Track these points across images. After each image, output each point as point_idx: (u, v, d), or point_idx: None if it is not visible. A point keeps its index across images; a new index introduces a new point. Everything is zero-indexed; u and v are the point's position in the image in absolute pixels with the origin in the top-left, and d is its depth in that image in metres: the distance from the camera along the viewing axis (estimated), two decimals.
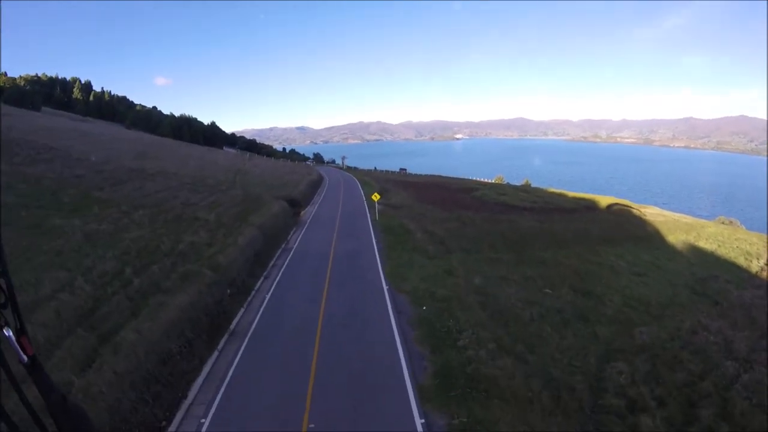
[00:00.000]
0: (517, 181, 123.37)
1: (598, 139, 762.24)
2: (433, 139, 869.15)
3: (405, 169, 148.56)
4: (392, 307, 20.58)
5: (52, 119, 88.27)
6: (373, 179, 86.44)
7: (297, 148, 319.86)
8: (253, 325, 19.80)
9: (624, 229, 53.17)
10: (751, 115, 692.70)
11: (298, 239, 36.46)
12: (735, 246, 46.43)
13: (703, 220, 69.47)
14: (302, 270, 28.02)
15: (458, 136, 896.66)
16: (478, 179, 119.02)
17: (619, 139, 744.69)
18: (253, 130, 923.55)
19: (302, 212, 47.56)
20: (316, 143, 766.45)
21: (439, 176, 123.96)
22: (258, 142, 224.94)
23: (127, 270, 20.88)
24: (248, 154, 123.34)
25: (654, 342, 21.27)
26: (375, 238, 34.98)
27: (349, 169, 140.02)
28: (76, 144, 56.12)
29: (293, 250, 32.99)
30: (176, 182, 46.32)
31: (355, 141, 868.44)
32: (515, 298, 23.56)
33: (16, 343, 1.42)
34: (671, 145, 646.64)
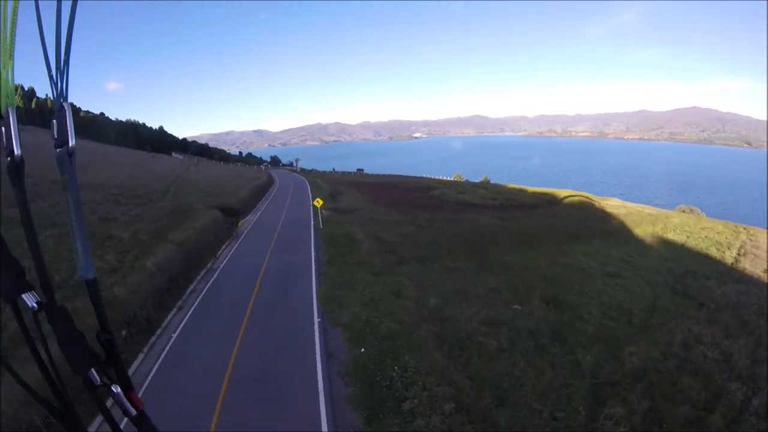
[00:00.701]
0: (476, 178, 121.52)
1: (554, 134, 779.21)
2: (391, 138, 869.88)
3: (362, 170, 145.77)
4: (322, 350, 16.06)
5: None
6: (325, 181, 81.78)
7: (254, 151, 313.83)
8: (145, 384, 14.89)
9: (589, 224, 50.86)
10: (703, 106, 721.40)
11: (228, 256, 31.58)
12: (704, 236, 45.22)
13: (666, 210, 68.86)
14: (222, 298, 23.14)
15: (416, 134, 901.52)
16: (437, 177, 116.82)
17: (574, 134, 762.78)
18: (209, 134, 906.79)
19: (241, 222, 42.63)
20: (274, 146, 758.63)
21: (397, 175, 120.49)
22: (211, 146, 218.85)
23: None
24: (195, 159, 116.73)
25: (646, 365, 17.78)
26: (315, 252, 30.57)
27: (303, 171, 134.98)
28: None
29: (219, 271, 28.11)
30: (100, 194, 40.78)
31: (314, 142, 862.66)
32: (478, 320, 19.41)
33: (125, 399, 1.37)
34: (625, 137, 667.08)
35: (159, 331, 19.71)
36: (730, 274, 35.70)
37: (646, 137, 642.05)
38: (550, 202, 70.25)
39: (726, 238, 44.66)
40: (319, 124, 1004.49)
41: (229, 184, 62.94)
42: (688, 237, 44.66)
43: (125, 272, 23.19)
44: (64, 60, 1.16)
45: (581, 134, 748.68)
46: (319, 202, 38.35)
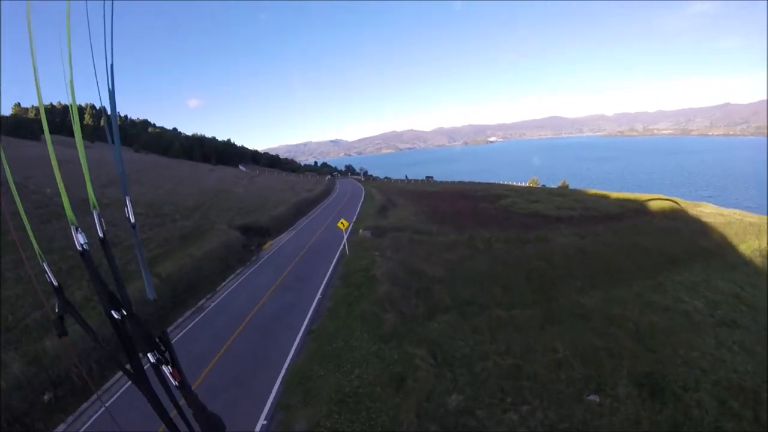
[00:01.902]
0: (554, 183, 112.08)
1: (635, 133, 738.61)
2: (466, 143, 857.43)
3: (431, 177, 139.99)
4: None
5: (46, 148, 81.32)
6: (383, 191, 75.74)
7: (330, 160, 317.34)
8: None
9: (686, 240, 41.61)
10: None
11: (228, 291, 26.24)
12: None
13: (760, 217, 56.61)
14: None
15: (491, 139, 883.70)
16: (509, 183, 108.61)
17: (656, 131, 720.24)
18: (287, 146, 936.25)
19: (268, 244, 37.55)
20: (349, 155, 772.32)
21: (466, 182, 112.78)
22: (283, 157, 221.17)
23: None
24: (258, 170, 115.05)
25: None
26: (321, 293, 24.88)
27: (370, 180, 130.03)
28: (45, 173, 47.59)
29: (205, 312, 22.76)
30: (121, 214, 36.95)
31: (389, 150, 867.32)
32: None
33: (169, 375, 1.98)
34: (709, 133, 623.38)
35: (71, 419, 14.43)
36: None
37: (731, 132, 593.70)
38: (636, 211, 60.18)
39: None
40: (393, 132, 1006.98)
41: (274, 198, 58.47)
42: None
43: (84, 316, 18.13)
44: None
45: (663, 132, 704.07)
46: (343, 224, 32.22)
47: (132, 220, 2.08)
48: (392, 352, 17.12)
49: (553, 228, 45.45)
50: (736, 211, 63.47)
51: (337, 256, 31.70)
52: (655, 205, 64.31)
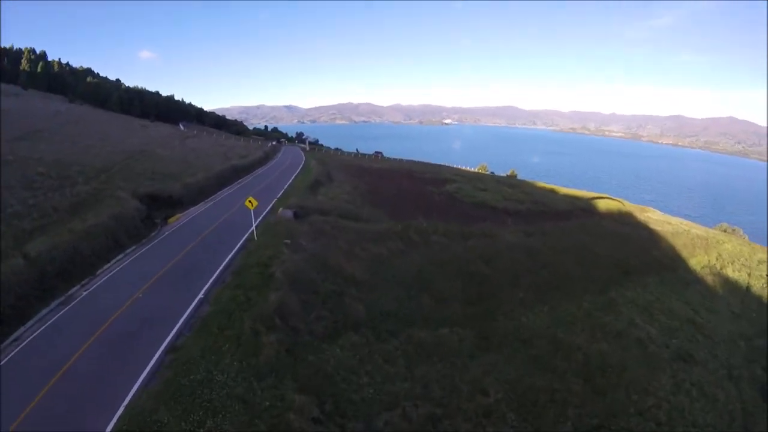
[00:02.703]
0: (503, 171, 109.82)
1: (587, 132, 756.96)
2: (421, 123, 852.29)
3: (380, 153, 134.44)
4: None
5: None
6: (324, 164, 70.04)
7: (282, 126, 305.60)
8: None
9: (637, 249, 39.47)
10: (740, 117, 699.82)
11: (107, 278, 20.84)
12: (765, 275, 38.70)
13: (713, 231, 58.48)
14: None
15: (447, 121, 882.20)
16: (459, 167, 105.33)
17: (607, 133, 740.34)
18: (241, 107, 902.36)
19: (176, 217, 31.85)
20: (303, 122, 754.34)
21: (416, 162, 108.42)
22: (233, 119, 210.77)
23: None
24: (197, 130, 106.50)
25: None
26: (204, 292, 19.40)
27: (317, 150, 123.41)
28: None
29: (71, 306, 17.43)
30: (22, 173, 31.67)
31: (343, 121, 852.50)
32: None
33: None
34: (659, 141, 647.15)
35: None
36: None
37: (680, 143, 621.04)
38: (585, 210, 57.86)
39: None
40: (350, 103, 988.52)
41: (199, 163, 51.62)
42: (749, 275, 38.21)
43: None
44: None
45: (615, 134, 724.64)
46: (251, 203, 26.53)
47: None
48: (265, 395, 12.26)
49: (499, 222, 41.75)
50: (682, 220, 63.36)
51: (242, 240, 26.14)
52: (603, 205, 62.32)
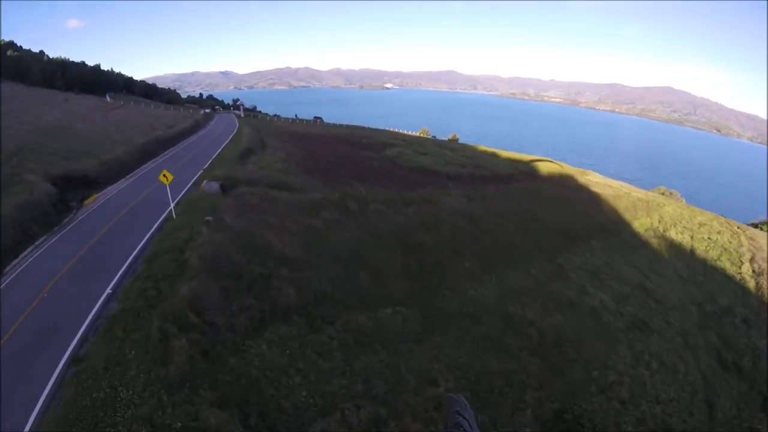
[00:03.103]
0: (444, 136, 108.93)
1: (527, 97, 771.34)
2: (362, 87, 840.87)
3: (320, 118, 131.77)
4: None
5: None
6: (257, 130, 66.25)
7: (218, 94, 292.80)
8: None
9: (580, 213, 39.46)
10: (676, 88, 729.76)
11: (11, 278, 17.83)
12: (706, 236, 39.68)
13: (652, 193, 59.67)
14: None
15: (388, 85, 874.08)
16: (400, 131, 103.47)
17: (546, 99, 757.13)
18: (174, 74, 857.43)
19: (92, 198, 28.52)
20: (240, 89, 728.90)
21: (355, 126, 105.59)
22: (167, 87, 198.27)
23: None
24: (123, 101, 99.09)
25: None
26: (113, 287, 16.67)
27: (250, 116, 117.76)
28: None
29: None
30: None
31: (282, 87, 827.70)
32: None
33: None
34: (597, 107, 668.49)
35: None
36: (760, 311, 28.31)
37: (617, 110, 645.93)
38: (527, 174, 57.61)
39: (728, 241, 39.32)
40: (288, 68, 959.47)
41: (120, 136, 47.00)
42: (691, 237, 38.91)
43: None
44: None
45: (554, 100, 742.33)
46: (167, 178, 23.50)
47: None
48: (176, 414, 10.15)
49: (440, 185, 40.41)
50: (622, 183, 64.22)
51: (160, 220, 23.18)
52: (544, 168, 62.25)
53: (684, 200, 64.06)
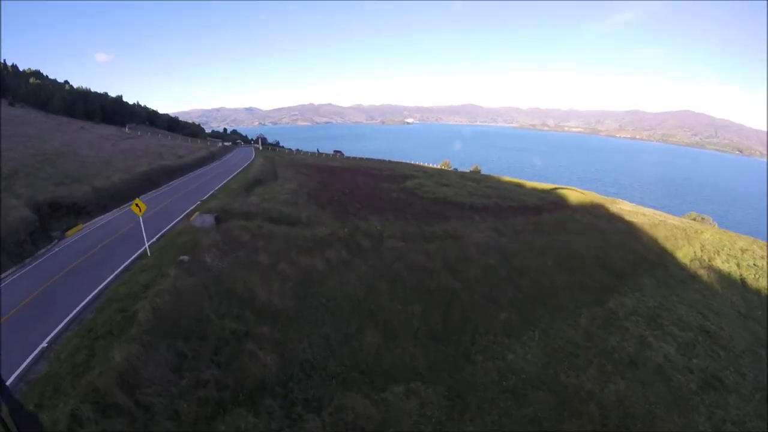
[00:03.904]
0: (466, 168, 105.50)
1: (546, 128, 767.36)
2: (383, 122, 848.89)
3: (340, 152, 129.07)
4: None
5: None
6: (273, 162, 63.31)
7: (243, 129, 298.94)
8: None
9: (620, 245, 35.19)
10: (696, 110, 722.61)
11: None
12: (752, 264, 35.95)
13: (687, 220, 56.10)
14: None
15: (409, 120, 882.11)
16: (420, 164, 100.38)
17: (566, 128, 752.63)
18: (200, 110, 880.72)
19: (77, 227, 25.43)
20: (264, 124, 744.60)
21: (374, 160, 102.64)
22: (193, 122, 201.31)
23: None
24: (140, 132, 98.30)
25: None
26: (50, 340, 13.18)
27: (268, 149, 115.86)
28: None
29: None
30: None
31: (305, 123, 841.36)
32: None
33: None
34: (617, 135, 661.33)
35: None
36: None
37: (638, 137, 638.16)
38: (556, 204, 53.20)
39: None
40: (311, 104, 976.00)
41: (121, 164, 44.21)
42: (737, 266, 35.35)
43: None
44: None
45: (574, 129, 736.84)
46: (139, 208, 19.72)
47: None
48: None
49: (464, 218, 36.39)
50: (654, 211, 60.33)
51: (133, 258, 19.67)
52: (573, 197, 58.20)
53: (716, 225, 60.10)
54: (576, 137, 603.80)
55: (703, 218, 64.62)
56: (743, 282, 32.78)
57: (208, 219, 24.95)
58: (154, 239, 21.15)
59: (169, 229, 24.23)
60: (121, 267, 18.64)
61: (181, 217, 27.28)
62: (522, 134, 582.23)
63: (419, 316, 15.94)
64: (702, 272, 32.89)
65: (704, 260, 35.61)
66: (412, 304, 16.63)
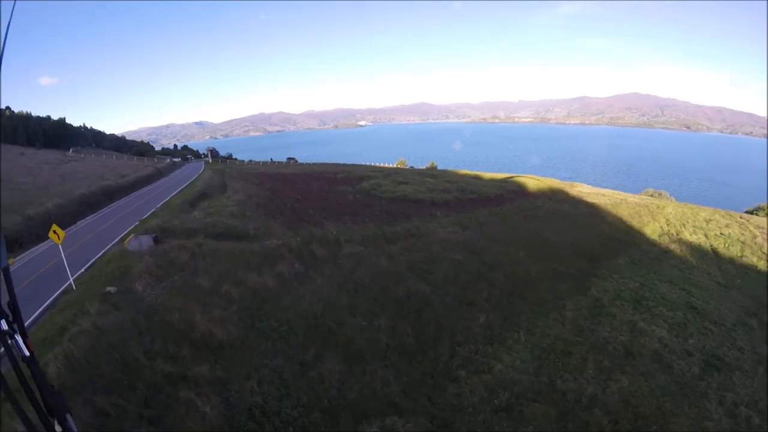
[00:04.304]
0: (422, 165, 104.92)
1: (498, 120, 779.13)
2: (336, 127, 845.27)
3: (293, 159, 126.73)
4: None
5: None
6: (221, 174, 60.31)
7: (194, 144, 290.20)
8: None
9: (586, 227, 34.94)
10: (643, 92, 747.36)
11: None
12: (718, 232, 37.12)
13: (643, 196, 57.80)
14: None
15: (361, 122, 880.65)
16: (376, 164, 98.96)
17: (517, 119, 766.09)
18: (149, 128, 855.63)
19: (11, 261, 22.73)
20: (215, 138, 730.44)
21: (329, 164, 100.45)
22: (130, 140, 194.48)
23: None
24: (83, 155, 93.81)
25: None
26: None
27: (218, 161, 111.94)
28: None
29: None
30: None
31: (257, 133, 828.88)
32: None
33: (22, 344, 1.86)
34: (567, 122, 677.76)
35: None
36: None
37: (587, 122, 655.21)
38: (516, 192, 52.71)
39: (740, 233, 36.99)
40: (262, 114, 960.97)
41: (60, 188, 40.94)
42: (705, 236, 36.12)
43: None
44: None
45: (524, 120, 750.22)
46: (58, 235, 16.66)
47: None
48: None
49: (427, 214, 34.89)
50: (612, 191, 61.39)
51: (58, 292, 16.84)
52: (532, 185, 57.81)
53: (674, 199, 61.84)
54: (527, 127, 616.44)
55: (660, 194, 66.58)
56: (715, 252, 32.90)
57: (146, 240, 22.38)
58: (82, 270, 18.54)
59: (101, 255, 21.52)
60: (42, 307, 16.00)
61: (116, 240, 24.53)
62: (474, 128, 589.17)
63: (387, 331, 13.96)
64: (673, 246, 32.89)
65: (673, 234, 35.90)
66: (378, 317, 14.66)
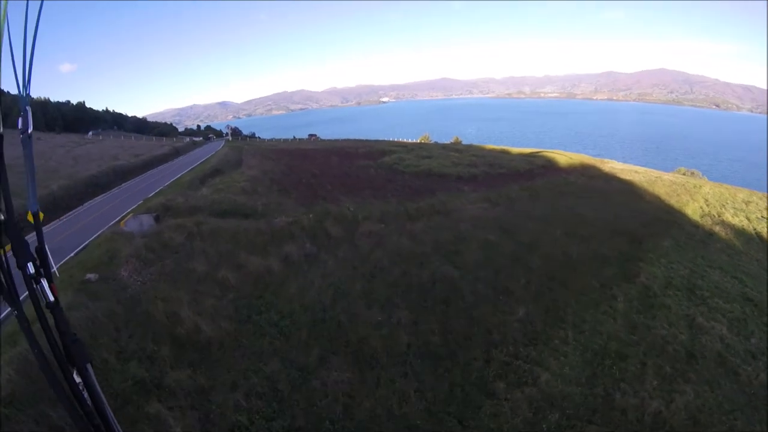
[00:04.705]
0: (446, 140, 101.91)
1: (523, 95, 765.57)
2: (359, 104, 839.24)
3: (315, 135, 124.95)
4: None
5: None
6: (238, 150, 58.63)
7: (217, 124, 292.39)
8: None
9: (624, 204, 32.16)
10: (670, 68, 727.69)
11: None
12: (761, 216, 34.16)
13: (678, 175, 54.01)
14: None
15: (384, 99, 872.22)
16: (399, 140, 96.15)
17: (543, 95, 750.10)
18: (174, 109, 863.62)
19: (8, 247, 20.66)
20: (238, 117, 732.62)
21: (351, 140, 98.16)
22: (151, 121, 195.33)
23: None
24: (102, 137, 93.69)
25: None
26: None
27: (238, 139, 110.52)
28: None
29: None
30: None
31: (280, 112, 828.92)
32: None
33: (48, 288, 1.72)
34: (593, 98, 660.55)
35: None
36: None
37: (614, 98, 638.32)
38: (546, 167, 49.66)
39: None
40: (284, 92, 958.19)
41: (69, 169, 39.56)
42: (747, 219, 33.54)
43: None
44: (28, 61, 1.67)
45: (550, 95, 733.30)
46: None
47: (29, 129, 1.85)
48: None
49: (452, 189, 32.54)
50: (646, 168, 57.94)
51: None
52: (562, 160, 54.79)
53: (706, 178, 58.03)
54: (553, 102, 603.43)
55: (692, 173, 62.94)
56: (759, 236, 30.29)
57: (146, 220, 20.61)
58: (72, 254, 16.78)
59: (95, 237, 19.72)
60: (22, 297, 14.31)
61: (115, 221, 22.79)
62: (499, 104, 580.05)
63: (408, 327, 11.73)
64: (717, 229, 30.01)
65: (714, 216, 33.15)
66: (398, 308, 12.45)
